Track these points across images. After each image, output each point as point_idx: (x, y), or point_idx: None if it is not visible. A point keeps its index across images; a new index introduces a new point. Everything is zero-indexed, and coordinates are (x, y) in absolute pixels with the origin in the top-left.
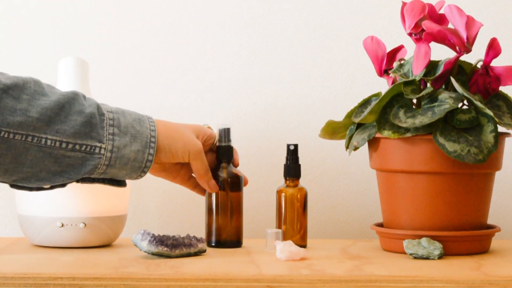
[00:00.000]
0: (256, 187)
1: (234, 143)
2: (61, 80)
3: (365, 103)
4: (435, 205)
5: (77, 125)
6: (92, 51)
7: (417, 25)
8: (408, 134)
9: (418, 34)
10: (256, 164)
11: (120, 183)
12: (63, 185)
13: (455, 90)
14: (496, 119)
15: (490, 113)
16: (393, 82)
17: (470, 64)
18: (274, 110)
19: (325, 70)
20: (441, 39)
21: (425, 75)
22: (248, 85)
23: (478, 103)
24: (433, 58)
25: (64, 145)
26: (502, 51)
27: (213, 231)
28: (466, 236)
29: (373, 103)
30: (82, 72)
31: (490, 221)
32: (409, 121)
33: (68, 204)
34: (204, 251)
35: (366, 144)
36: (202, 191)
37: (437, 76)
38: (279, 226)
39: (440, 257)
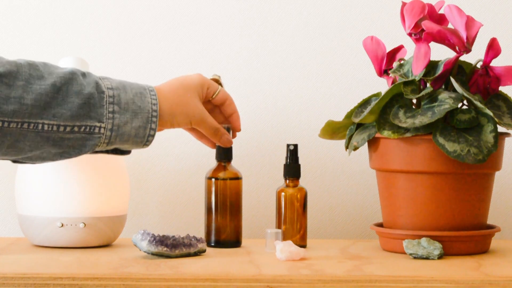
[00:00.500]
0: (256, 187)
1: (234, 142)
2: None
3: (365, 103)
4: (435, 205)
5: (75, 107)
6: (92, 51)
7: (417, 25)
8: (408, 134)
9: (418, 34)
10: (256, 164)
11: (124, 152)
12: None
13: (455, 90)
14: (496, 119)
15: (490, 113)
16: (393, 82)
17: (470, 64)
18: (274, 110)
19: (325, 70)
20: (441, 39)
21: (425, 75)
22: (248, 85)
23: (478, 103)
24: (433, 58)
25: (62, 128)
26: (502, 51)
27: (212, 231)
28: (466, 236)
29: (373, 103)
30: None
31: (490, 221)
32: (409, 121)
33: (68, 204)
34: (204, 251)
35: (366, 144)
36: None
37: (437, 76)
38: (279, 226)
39: (440, 257)
